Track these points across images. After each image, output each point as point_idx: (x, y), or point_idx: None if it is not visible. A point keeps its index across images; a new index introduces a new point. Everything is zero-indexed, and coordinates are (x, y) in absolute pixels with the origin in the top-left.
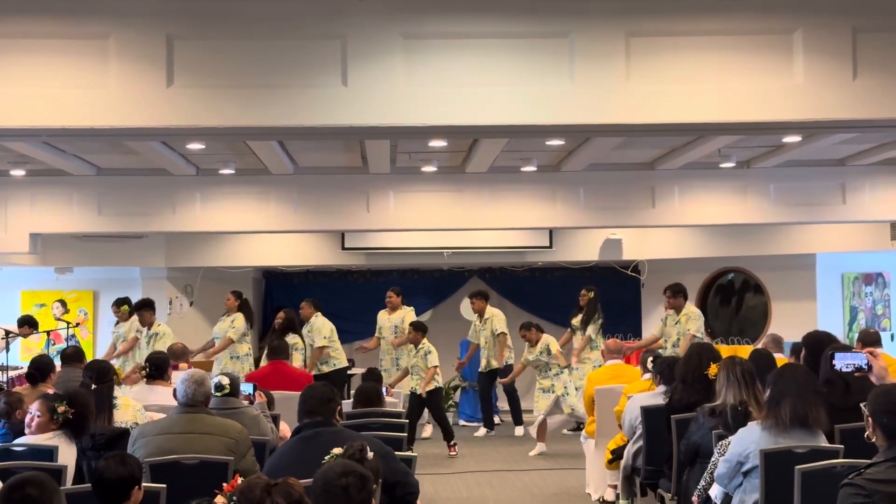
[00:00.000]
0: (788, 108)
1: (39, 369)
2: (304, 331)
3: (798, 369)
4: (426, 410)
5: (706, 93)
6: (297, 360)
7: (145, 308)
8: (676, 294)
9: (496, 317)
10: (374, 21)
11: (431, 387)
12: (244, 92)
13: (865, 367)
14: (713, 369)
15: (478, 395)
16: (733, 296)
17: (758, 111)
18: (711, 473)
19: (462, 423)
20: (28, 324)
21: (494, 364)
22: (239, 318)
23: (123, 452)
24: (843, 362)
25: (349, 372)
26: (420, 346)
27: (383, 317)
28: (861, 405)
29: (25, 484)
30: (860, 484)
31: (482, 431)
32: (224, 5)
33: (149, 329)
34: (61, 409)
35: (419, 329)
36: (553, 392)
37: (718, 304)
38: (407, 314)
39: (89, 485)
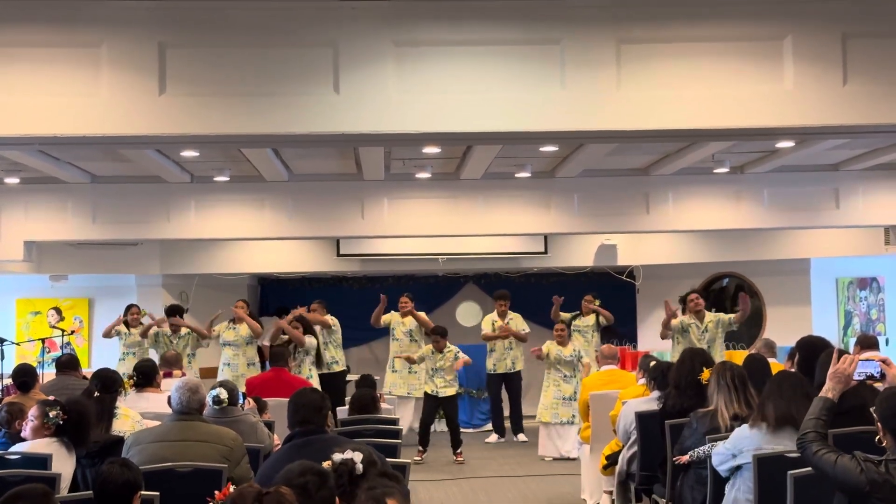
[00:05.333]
0: (779, 115)
1: (30, 375)
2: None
3: (790, 375)
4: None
5: (697, 99)
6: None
7: (178, 314)
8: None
9: (518, 317)
10: (366, 29)
11: (453, 391)
12: (236, 100)
13: (878, 375)
14: (706, 374)
15: (472, 401)
16: (728, 301)
17: (748, 117)
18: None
19: None
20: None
21: (519, 366)
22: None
23: (124, 458)
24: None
25: (346, 378)
26: (447, 349)
27: (396, 318)
28: (871, 410)
29: (18, 497)
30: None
31: (494, 437)
32: (216, 13)
33: (178, 334)
34: (52, 413)
35: (444, 335)
36: (575, 400)
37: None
38: (422, 318)
39: (84, 493)
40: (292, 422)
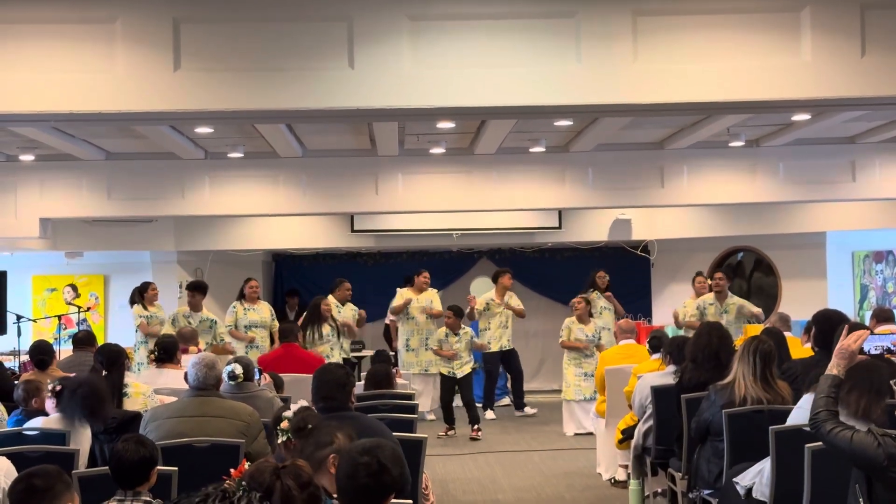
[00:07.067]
0: (796, 87)
1: (47, 353)
2: (349, 312)
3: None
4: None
5: (714, 72)
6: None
7: (199, 291)
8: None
9: (514, 297)
10: (381, 3)
11: (469, 369)
12: (251, 75)
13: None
14: (740, 340)
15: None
16: (743, 275)
17: (765, 90)
18: None
19: None
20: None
21: (508, 345)
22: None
23: (140, 434)
24: (871, 344)
25: (360, 354)
26: (461, 330)
27: (411, 295)
28: (892, 383)
29: (31, 476)
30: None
31: (490, 414)
32: None
33: (199, 313)
34: (52, 386)
35: (459, 315)
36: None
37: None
38: (434, 296)
39: (102, 468)
40: (316, 397)
